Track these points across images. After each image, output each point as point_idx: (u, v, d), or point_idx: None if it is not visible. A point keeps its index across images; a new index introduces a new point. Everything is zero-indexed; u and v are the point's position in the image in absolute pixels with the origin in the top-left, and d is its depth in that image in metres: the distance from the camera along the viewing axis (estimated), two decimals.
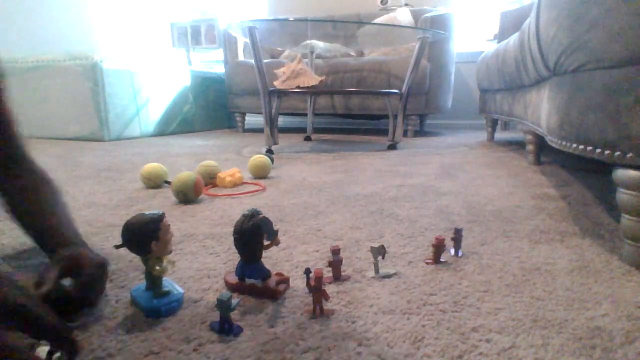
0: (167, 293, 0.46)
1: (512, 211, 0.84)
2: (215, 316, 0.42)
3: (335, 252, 0.52)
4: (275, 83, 1.79)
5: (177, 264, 0.58)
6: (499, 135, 2.53)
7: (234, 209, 0.88)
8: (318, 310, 0.44)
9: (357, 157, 1.64)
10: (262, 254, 0.48)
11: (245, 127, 2.99)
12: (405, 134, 2.50)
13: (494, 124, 2.21)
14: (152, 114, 2.52)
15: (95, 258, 0.45)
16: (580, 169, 1.31)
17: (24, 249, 0.64)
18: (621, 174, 0.54)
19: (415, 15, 2.62)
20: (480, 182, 1.13)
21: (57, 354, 0.36)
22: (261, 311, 0.45)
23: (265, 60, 2.21)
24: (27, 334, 0.34)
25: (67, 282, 0.42)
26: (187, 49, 3.25)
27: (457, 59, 2.70)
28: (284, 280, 0.50)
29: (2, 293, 0.33)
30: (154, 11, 3.59)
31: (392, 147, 1.92)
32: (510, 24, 2.08)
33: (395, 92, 1.85)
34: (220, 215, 0.83)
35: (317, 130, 3.02)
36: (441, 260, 0.58)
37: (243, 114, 2.90)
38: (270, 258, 0.60)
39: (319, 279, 0.43)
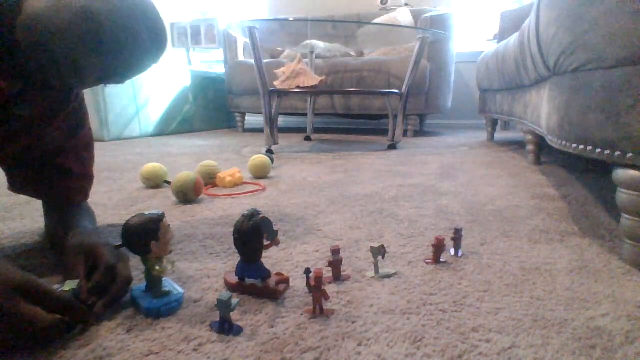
0: (167, 293, 0.46)
1: (512, 211, 0.84)
2: (215, 316, 0.42)
3: (335, 252, 0.52)
4: (275, 83, 1.79)
5: (177, 264, 0.58)
6: (499, 135, 2.53)
7: (234, 209, 0.88)
8: (318, 310, 0.44)
9: (357, 157, 1.64)
10: (262, 254, 0.48)
11: (245, 127, 2.99)
12: (405, 134, 2.50)
13: (494, 124, 2.20)
14: (152, 114, 2.52)
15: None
16: (580, 169, 1.31)
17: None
18: (621, 174, 0.54)
19: (415, 15, 2.62)
20: (480, 182, 1.13)
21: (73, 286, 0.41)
22: (261, 311, 0.45)
23: (265, 60, 2.21)
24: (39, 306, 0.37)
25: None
26: (187, 49, 3.25)
27: (457, 59, 2.69)
28: (284, 280, 0.50)
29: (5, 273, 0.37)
30: None
31: (392, 147, 1.92)
32: (510, 24, 2.08)
33: (395, 92, 1.85)
34: (220, 215, 0.83)
35: (317, 130, 3.02)
36: (441, 260, 0.58)
37: (243, 114, 2.89)
38: (270, 258, 0.60)
39: (319, 279, 0.43)
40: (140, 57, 0.49)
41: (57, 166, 0.64)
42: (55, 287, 0.41)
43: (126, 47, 0.46)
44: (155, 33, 0.50)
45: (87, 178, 0.69)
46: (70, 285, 0.42)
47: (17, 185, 0.65)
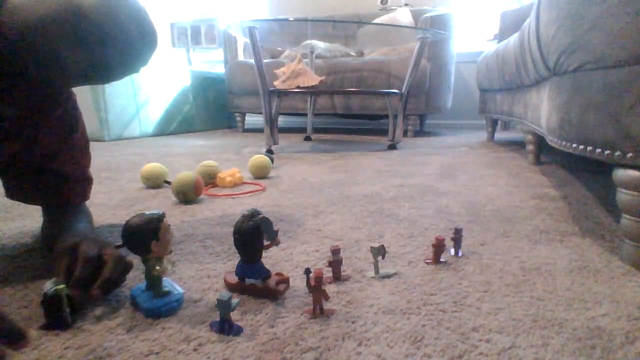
0: (167, 293, 0.46)
1: (512, 211, 0.84)
2: (215, 316, 0.42)
3: (335, 252, 0.52)
4: (275, 83, 1.79)
5: (177, 264, 0.58)
6: (499, 135, 2.53)
7: (234, 209, 0.88)
8: (318, 310, 0.44)
9: (357, 157, 1.64)
10: (262, 254, 0.48)
11: (245, 127, 2.99)
12: (405, 134, 2.50)
13: (494, 124, 2.20)
14: (152, 114, 2.52)
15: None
16: (580, 169, 1.31)
17: (24, 249, 0.64)
18: (621, 174, 0.54)
19: (415, 15, 2.62)
20: (480, 182, 1.13)
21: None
22: (261, 311, 0.45)
23: (265, 60, 2.21)
24: None
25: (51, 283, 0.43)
26: (187, 49, 3.25)
27: (457, 59, 2.69)
28: (284, 280, 0.50)
29: None
30: (154, 11, 3.59)
31: (392, 147, 1.92)
32: (510, 24, 2.08)
33: (395, 92, 1.85)
34: (220, 215, 0.83)
35: (317, 130, 3.02)
36: (441, 260, 0.58)
37: (243, 114, 2.89)
38: (270, 258, 0.60)
39: (319, 279, 0.43)
40: (128, 55, 0.47)
41: (54, 172, 0.62)
42: (47, 286, 0.41)
43: (113, 41, 0.45)
44: (144, 31, 0.48)
45: (85, 181, 0.68)
46: (56, 283, 0.42)
47: (15, 192, 0.64)
